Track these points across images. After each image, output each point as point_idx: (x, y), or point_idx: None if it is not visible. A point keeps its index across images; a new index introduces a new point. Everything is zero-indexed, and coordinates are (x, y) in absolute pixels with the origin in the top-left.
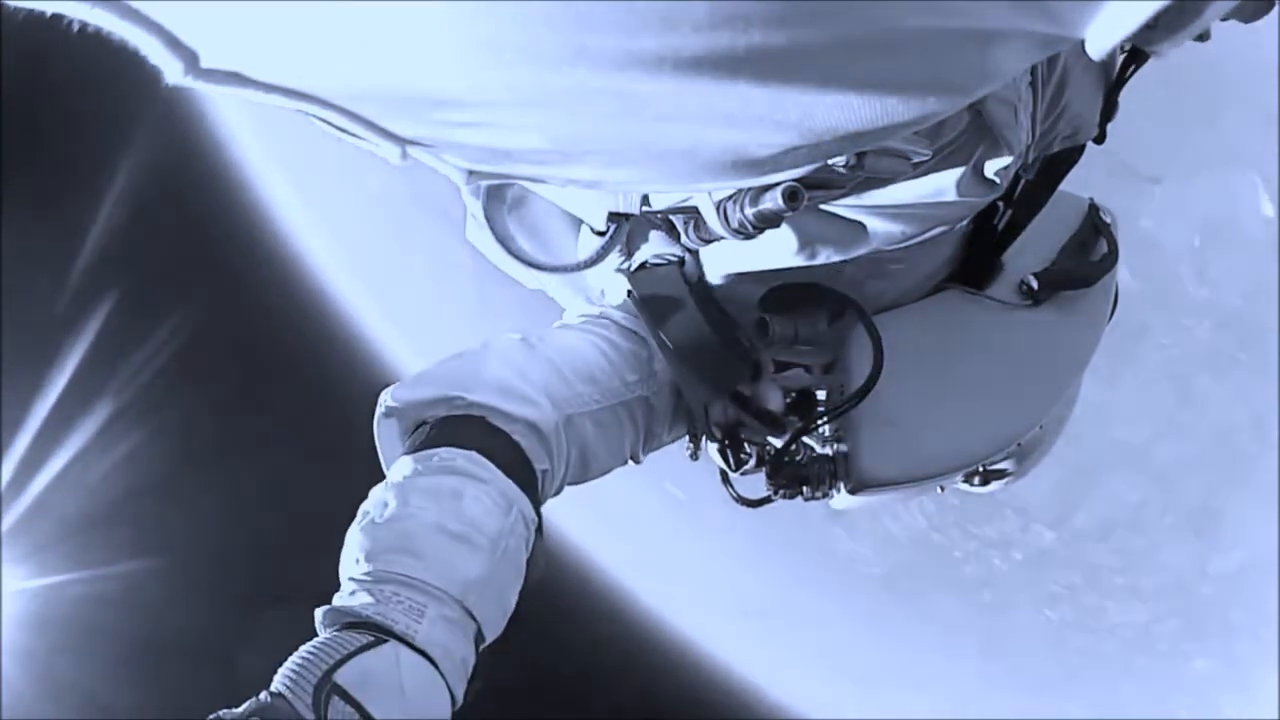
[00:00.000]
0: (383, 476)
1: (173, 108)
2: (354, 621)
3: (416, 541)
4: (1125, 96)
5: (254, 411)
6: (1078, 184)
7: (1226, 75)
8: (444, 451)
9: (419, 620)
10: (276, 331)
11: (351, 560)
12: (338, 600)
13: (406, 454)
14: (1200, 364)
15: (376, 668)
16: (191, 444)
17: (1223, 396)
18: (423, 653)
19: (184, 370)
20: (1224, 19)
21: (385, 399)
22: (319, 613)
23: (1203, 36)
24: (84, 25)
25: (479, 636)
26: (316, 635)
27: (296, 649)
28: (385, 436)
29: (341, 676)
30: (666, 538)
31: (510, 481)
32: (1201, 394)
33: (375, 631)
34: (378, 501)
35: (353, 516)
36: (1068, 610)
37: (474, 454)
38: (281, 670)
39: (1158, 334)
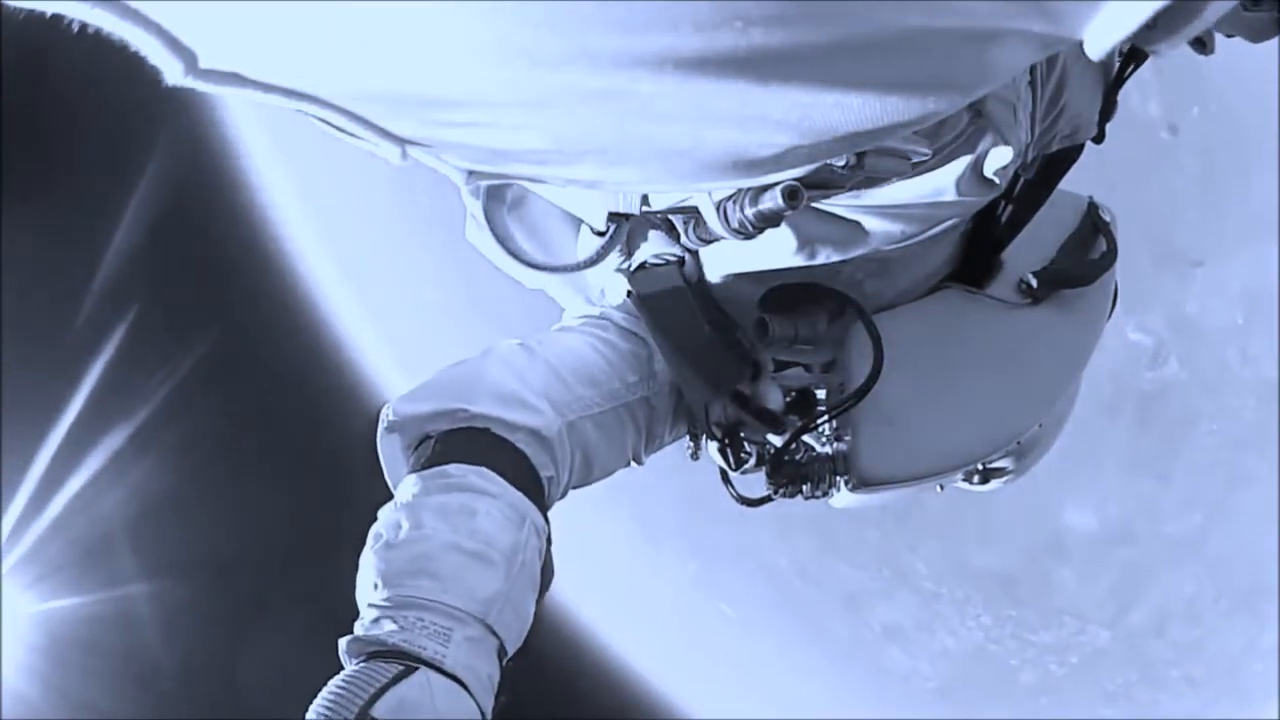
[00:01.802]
0: (388, 492)
1: (185, 113)
2: (380, 650)
3: (434, 563)
4: (1164, 178)
5: (261, 434)
6: (1125, 272)
7: (1257, 144)
8: (453, 468)
9: (445, 644)
10: (282, 355)
11: (369, 585)
12: (360, 629)
13: (414, 472)
14: (1248, 444)
15: (411, 697)
16: (198, 467)
17: (1270, 473)
18: (452, 676)
19: (191, 396)
20: (1229, 35)
21: (387, 414)
22: (343, 643)
23: (1205, 45)
24: (84, 26)
25: (501, 651)
26: (342, 666)
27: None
28: (388, 451)
29: (378, 710)
30: (720, 657)
31: (520, 494)
32: (1250, 473)
33: (404, 659)
34: (390, 523)
35: (360, 535)
36: (1124, 707)
37: (482, 469)
38: (314, 707)
39: (1206, 420)
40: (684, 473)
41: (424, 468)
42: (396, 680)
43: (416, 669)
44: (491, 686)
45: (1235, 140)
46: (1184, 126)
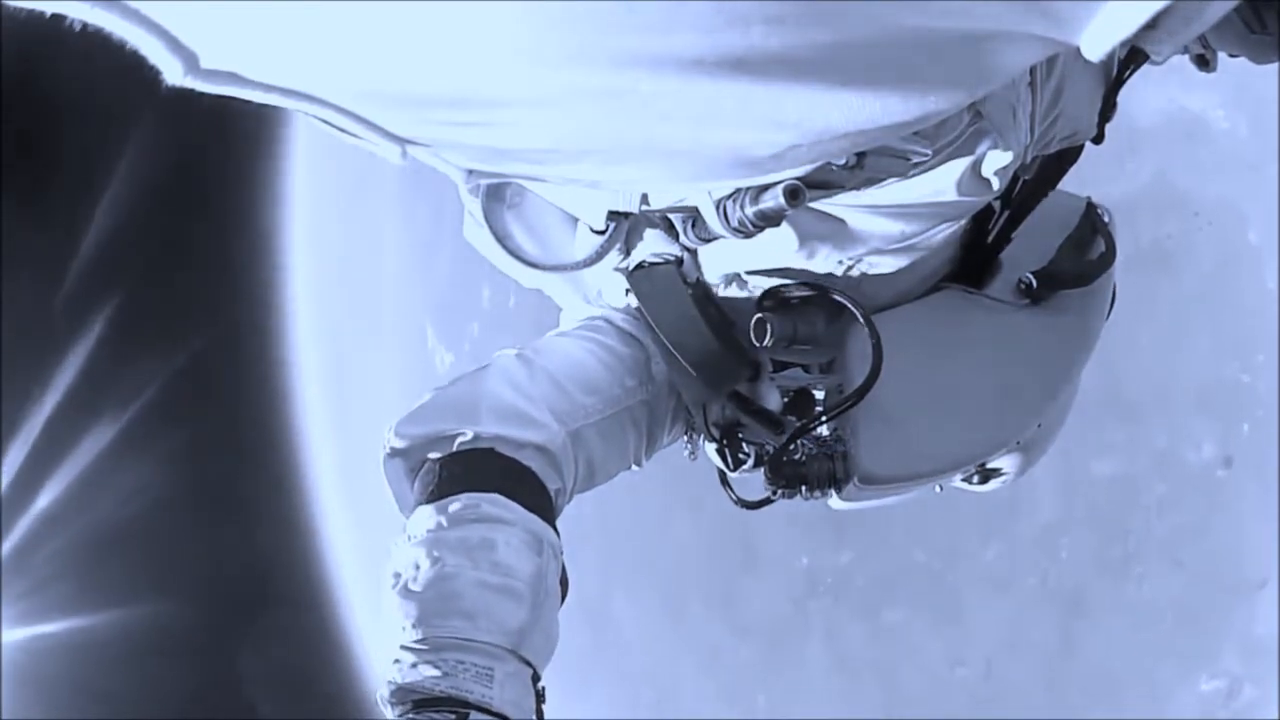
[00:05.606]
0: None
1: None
2: (425, 698)
3: (464, 602)
4: (1229, 518)
5: (239, 454)
6: (1196, 628)
7: None
8: (465, 498)
9: (490, 685)
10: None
11: (397, 627)
12: (400, 675)
13: (424, 502)
14: None
15: None
16: (176, 481)
17: None
18: (501, 716)
19: (167, 411)
20: (1234, 55)
21: (390, 439)
22: (384, 691)
23: (1207, 63)
24: (84, 25)
25: (535, 678)
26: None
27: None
28: (393, 476)
29: None
30: None
31: (534, 516)
32: None
33: (453, 706)
34: (408, 562)
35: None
36: None
37: (495, 496)
38: None
39: None
40: None
41: (433, 496)
42: None
43: (468, 715)
44: (531, 714)
45: None
46: (1236, 453)
